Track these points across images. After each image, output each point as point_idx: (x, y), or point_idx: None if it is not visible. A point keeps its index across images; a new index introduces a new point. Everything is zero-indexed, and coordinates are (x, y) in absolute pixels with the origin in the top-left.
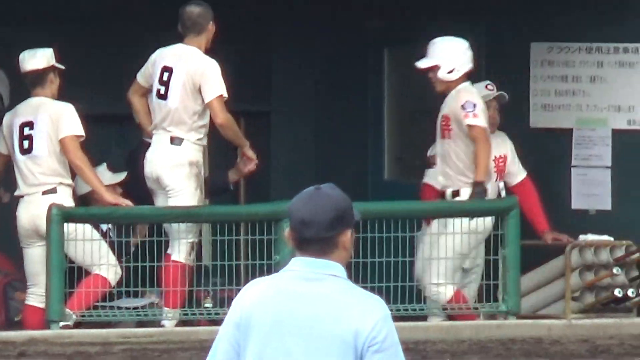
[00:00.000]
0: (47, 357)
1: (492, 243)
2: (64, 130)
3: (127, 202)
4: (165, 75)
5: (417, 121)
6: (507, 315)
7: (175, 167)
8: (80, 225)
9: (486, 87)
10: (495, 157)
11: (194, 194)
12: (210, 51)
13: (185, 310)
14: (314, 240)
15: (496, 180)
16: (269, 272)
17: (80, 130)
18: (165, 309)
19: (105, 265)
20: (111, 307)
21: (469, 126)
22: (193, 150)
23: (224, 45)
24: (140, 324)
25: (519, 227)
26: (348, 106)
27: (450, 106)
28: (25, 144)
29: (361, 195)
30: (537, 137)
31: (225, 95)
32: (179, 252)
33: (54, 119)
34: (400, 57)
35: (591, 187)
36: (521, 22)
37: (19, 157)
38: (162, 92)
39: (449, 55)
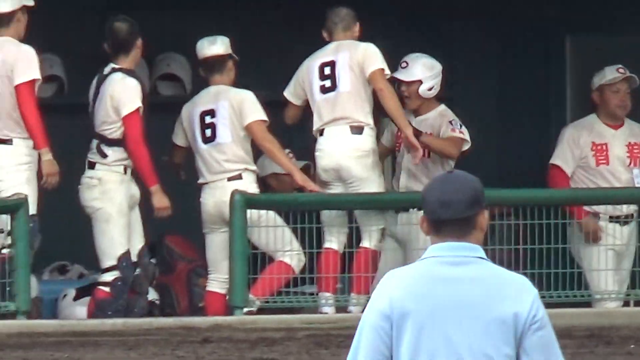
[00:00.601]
0: (231, 342)
1: None
2: (249, 117)
3: (315, 186)
4: (327, 69)
5: None
6: None
7: (361, 158)
8: (264, 212)
9: (617, 70)
10: (630, 143)
11: (380, 183)
12: (389, 44)
13: (370, 297)
14: (453, 222)
15: (629, 165)
16: None
17: (264, 115)
18: (352, 294)
19: (289, 252)
20: (295, 293)
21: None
22: (372, 137)
23: (405, 36)
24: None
25: None
26: (530, 94)
27: (434, 128)
28: (208, 132)
29: (543, 183)
30: None
31: (387, 71)
32: (370, 239)
33: (236, 106)
34: (581, 45)
35: None
36: None
37: (202, 146)
38: (327, 85)
39: (430, 73)
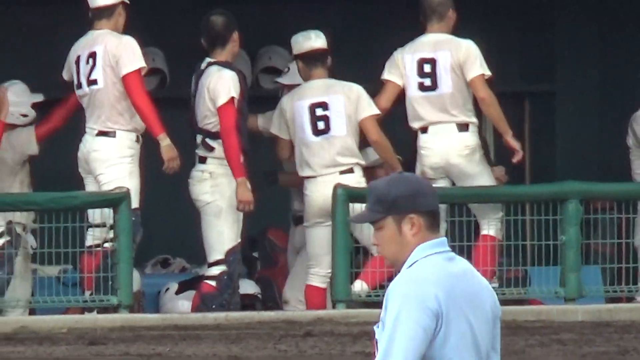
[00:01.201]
0: (333, 336)
1: None
2: (365, 111)
3: None
4: (426, 67)
5: None
6: None
7: (469, 154)
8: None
9: None
10: None
11: (490, 175)
12: (486, 33)
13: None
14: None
15: None
16: (555, 252)
17: (377, 109)
18: None
19: None
20: None
21: None
22: (477, 132)
23: (505, 27)
24: None
25: None
26: (632, 86)
27: None
28: (320, 124)
29: None
30: None
31: (488, 73)
32: (489, 227)
33: (353, 100)
34: None
35: None
36: None
37: (312, 138)
38: (426, 84)
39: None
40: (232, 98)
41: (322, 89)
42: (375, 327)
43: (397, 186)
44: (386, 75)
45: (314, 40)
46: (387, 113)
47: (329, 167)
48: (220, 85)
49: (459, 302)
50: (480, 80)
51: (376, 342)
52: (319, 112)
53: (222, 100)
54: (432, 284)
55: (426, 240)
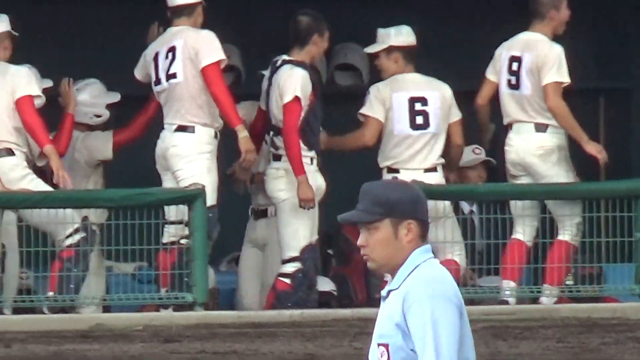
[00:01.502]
0: None
1: None
2: (456, 114)
3: None
4: (514, 65)
5: None
6: None
7: (544, 155)
8: (441, 204)
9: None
10: None
11: (567, 178)
12: (566, 31)
13: (539, 288)
14: None
15: None
16: (630, 249)
17: (460, 114)
18: (546, 285)
19: (458, 250)
20: (472, 286)
21: None
22: (557, 134)
23: (581, 23)
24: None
25: None
26: None
27: None
28: (419, 119)
29: None
30: None
31: (565, 81)
32: (564, 232)
33: (447, 99)
34: None
35: None
36: None
37: (409, 131)
38: (513, 82)
39: None
40: (297, 97)
41: (420, 84)
42: (375, 332)
43: (396, 191)
44: (486, 71)
45: (414, 36)
46: (484, 110)
47: (419, 162)
48: (288, 83)
49: (463, 301)
50: (553, 88)
51: (386, 347)
52: (418, 106)
53: (287, 98)
54: (450, 282)
55: (419, 246)
